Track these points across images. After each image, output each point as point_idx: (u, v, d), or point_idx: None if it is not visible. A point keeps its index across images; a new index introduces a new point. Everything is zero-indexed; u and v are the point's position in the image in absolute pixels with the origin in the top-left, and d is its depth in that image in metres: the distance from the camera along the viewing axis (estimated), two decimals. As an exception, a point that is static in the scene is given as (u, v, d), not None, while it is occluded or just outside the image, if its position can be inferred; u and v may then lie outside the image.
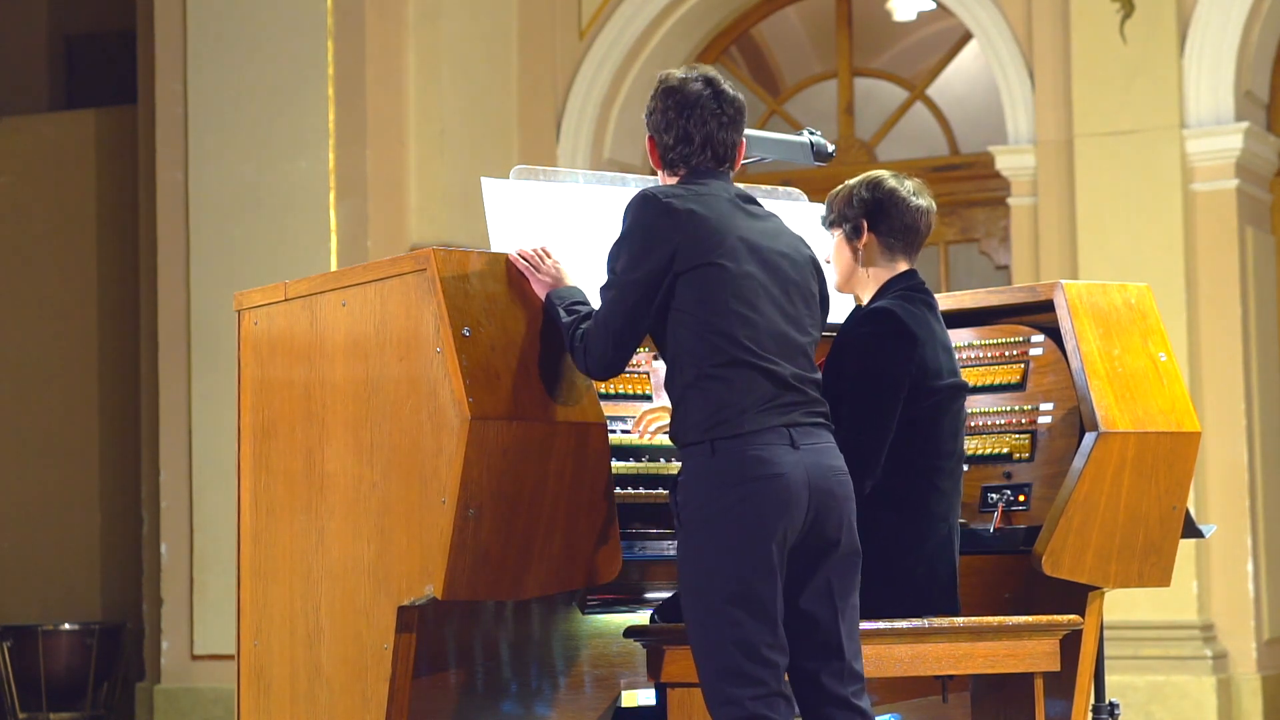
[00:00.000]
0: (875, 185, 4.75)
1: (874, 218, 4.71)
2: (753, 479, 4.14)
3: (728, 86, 4.37)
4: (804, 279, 4.34)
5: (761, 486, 4.14)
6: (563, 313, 4.36)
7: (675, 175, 4.40)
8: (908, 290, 4.69)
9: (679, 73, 4.38)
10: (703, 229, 4.23)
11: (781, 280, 4.28)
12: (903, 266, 4.73)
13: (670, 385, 4.29)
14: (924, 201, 4.76)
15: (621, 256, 4.28)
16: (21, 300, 11.67)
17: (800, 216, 5.12)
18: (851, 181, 4.81)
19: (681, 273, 4.22)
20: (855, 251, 4.74)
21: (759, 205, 4.40)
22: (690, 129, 4.34)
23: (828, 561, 4.24)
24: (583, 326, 4.32)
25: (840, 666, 4.24)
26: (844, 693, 4.23)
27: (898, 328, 4.59)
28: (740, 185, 4.46)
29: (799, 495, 4.17)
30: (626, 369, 5.02)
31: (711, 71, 4.39)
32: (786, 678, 4.21)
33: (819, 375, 4.31)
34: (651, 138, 4.41)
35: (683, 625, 4.49)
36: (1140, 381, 4.98)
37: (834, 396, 4.44)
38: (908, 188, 4.75)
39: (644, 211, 4.27)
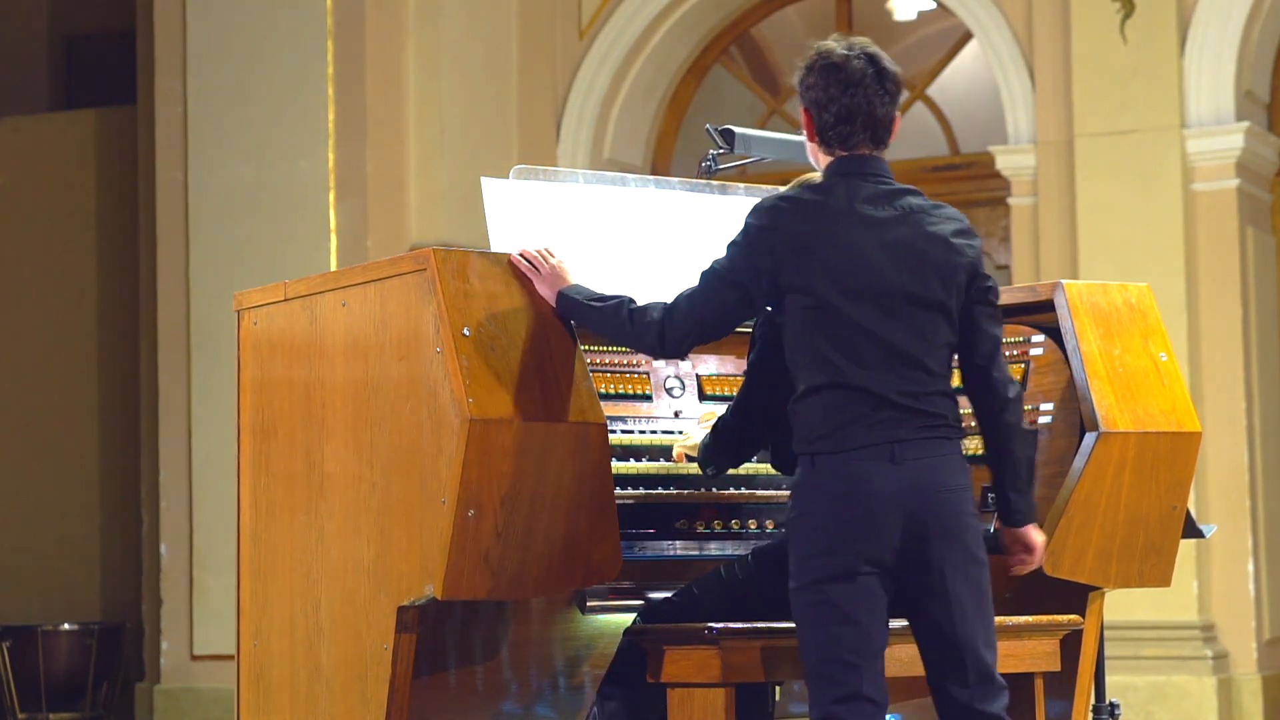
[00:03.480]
0: None
1: None
2: (844, 494, 4.17)
3: (887, 62, 4.31)
4: (928, 287, 4.24)
5: (852, 502, 4.17)
6: (592, 303, 4.38)
7: (829, 153, 4.34)
8: None
9: (839, 49, 4.30)
10: (805, 251, 4.22)
11: (898, 293, 4.22)
12: None
13: (791, 395, 4.33)
14: None
15: (728, 255, 4.31)
16: (21, 300, 11.67)
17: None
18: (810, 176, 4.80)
19: (785, 292, 4.23)
20: None
21: (898, 201, 4.29)
22: (853, 107, 4.28)
23: (940, 572, 4.25)
24: (636, 307, 4.35)
25: (963, 674, 4.26)
26: (968, 699, 4.27)
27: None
28: (880, 180, 4.31)
29: (890, 512, 4.18)
30: (626, 369, 5.02)
31: (871, 46, 4.33)
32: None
33: (943, 386, 4.26)
34: (808, 111, 4.34)
35: (676, 626, 4.51)
36: (1140, 381, 4.97)
37: None
38: None
39: (754, 224, 4.29)
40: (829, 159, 4.35)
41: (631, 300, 4.40)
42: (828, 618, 4.18)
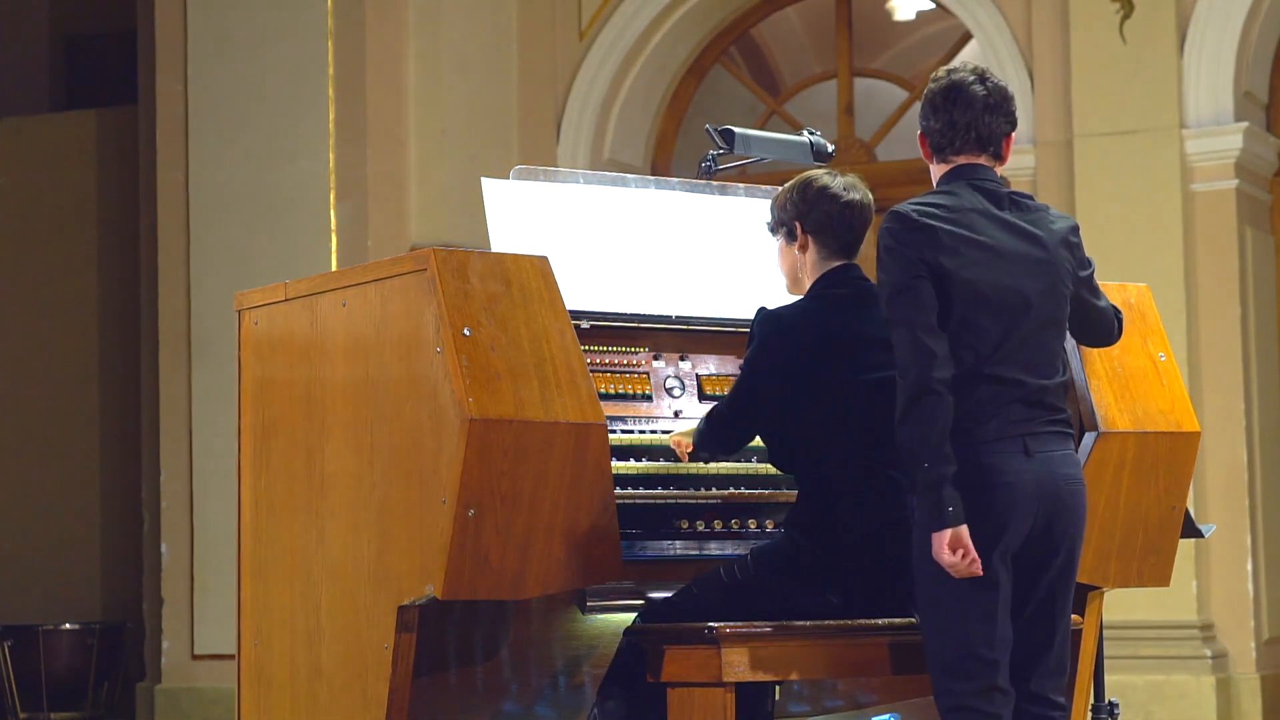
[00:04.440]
0: (805, 186, 4.78)
1: (806, 219, 4.74)
2: (982, 486, 4.28)
3: (993, 78, 4.50)
4: (1054, 273, 4.41)
5: (991, 494, 4.28)
6: (909, 466, 4.32)
7: (944, 163, 4.49)
8: (825, 288, 4.72)
9: (946, 69, 4.53)
10: (945, 244, 4.33)
11: (1028, 289, 4.37)
12: (837, 264, 4.75)
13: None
14: (857, 196, 4.77)
15: (888, 264, 4.36)
16: (21, 300, 11.67)
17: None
18: (788, 184, 4.83)
19: (940, 280, 4.32)
20: (795, 255, 4.76)
21: (1017, 206, 4.46)
22: (955, 114, 4.45)
23: (1052, 566, 4.39)
24: (907, 400, 4.29)
25: (1047, 663, 4.42)
26: (1046, 691, 4.42)
27: (774, 327, 4.65)
28: (996, 185, 4.47)
29: (1026, 503, 4.31)
30: (626, 369, 5.03)
31: (981, 67, 4.53)
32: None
33: (1063, 381, 4.42)
34: (921, 134, 4.52)
35: (676, 626, 4.52)
36: (1140, 381, 4.98)
37: None
38: (839, 184, 4.76)
39: (896, 227, 4.36)
40: (943, 168, 4.49)
41: (904, 413, 4.31)
42: (966, 612, 4.29)
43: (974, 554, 4.26)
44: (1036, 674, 4.41)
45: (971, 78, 4.45)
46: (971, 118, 4.44)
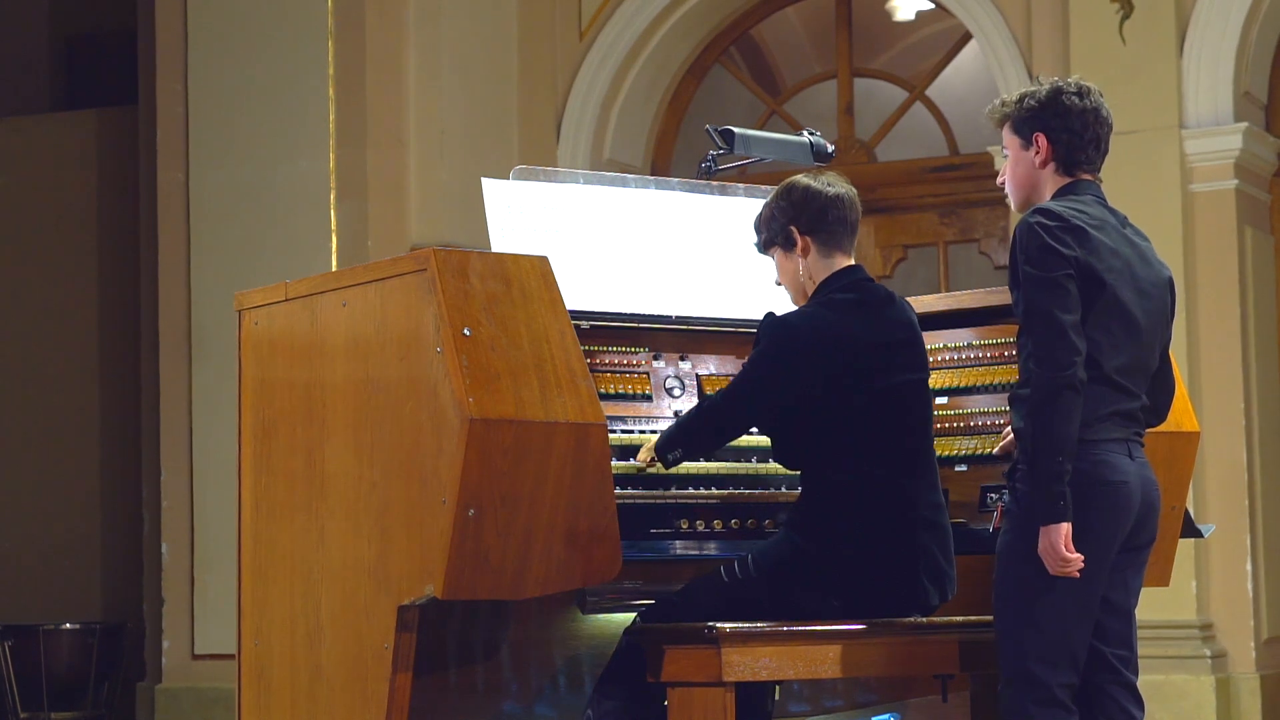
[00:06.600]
0: (788, 191, 4.80)
1: (800, 220, 4.74)
2: (1102, 483, 4.39)
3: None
4: (1163, 307, 4.56)
5: (1110, 490, 4.39)
6: (1034, 457, 4.35)
7: (1065, 175, 4.58)
8: (831, 292, 4.72)
9: (1078, 86, 4.61)
10: (1093, 247, 4.42)
11: (1147, 307, 4.49)
12: (841, 263, 4.75)
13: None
14: (843, 189, 4.80)
15: (1037, 261, 4.40)
16: (21, 300, 11.67)
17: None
18: (767, 199, 4.83)
19: (1087, 281, 4.40)
20: (797, 262, 4.76)
21: (1134, 230, 4.60)
22: (1101, 133, 4.58)
23: (1136, 560, 4.52)
24: (1030, 392, 4.35)
25: (1127, 646, 4.52)
26: (1124, 671, 4.51)
27: (781, 333, 4.65)
28: (1104, 201, 4.61)
29: (1134, 502, 4.43)
30: (626, 369, 5.03)
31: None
32: None
33: (1146, 402, 4.54)
34: (1049, 138, 4.56)
35: (676, 626, 4.51)
36: (1139, 381, 4.98)
37: None
38: (820, 182, 4.80)
39: (1045, 223, 4.42)
40: (1063, 180, 4.57)
41: (1041, 404, 4.34)
42: (1069, 607, 4.36)
43: (1075, 553, 4.32)
44: (1112, 655, 4.48)
45: (1105, 106, 4.60)
46: (1106, 133, 4.59)
